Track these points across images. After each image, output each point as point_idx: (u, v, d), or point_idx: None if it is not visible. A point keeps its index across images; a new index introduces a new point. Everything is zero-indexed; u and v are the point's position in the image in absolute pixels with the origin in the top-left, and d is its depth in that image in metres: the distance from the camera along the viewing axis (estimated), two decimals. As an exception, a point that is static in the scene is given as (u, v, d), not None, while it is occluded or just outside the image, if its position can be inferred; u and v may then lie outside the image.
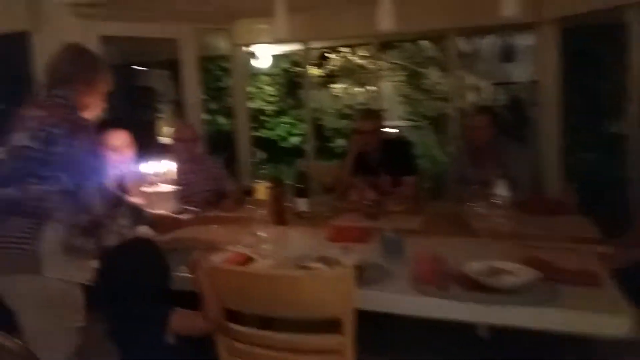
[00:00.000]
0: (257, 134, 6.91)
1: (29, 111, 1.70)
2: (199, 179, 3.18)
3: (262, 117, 6.96)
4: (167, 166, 2.31)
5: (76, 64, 1.81)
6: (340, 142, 7.11)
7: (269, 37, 4.12)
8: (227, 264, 1.82)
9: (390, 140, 3.23)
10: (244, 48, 4.58)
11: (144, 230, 1.83)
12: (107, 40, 3.98)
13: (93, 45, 3.82)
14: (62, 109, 1.70)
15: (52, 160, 1.61)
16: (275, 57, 6.72)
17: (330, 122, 7.41)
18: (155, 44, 4.52)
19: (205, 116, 7.01)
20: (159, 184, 2.25)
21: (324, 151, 7.26)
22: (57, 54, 1.85)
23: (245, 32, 4.36)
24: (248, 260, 1.89)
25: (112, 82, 1.93)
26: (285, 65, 6.91)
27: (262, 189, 2.54)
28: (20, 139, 1.64)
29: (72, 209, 1.67)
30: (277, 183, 2.67)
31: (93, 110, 1.88)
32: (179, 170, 2.44)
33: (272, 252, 1.96)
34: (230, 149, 4.74)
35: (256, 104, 6.89)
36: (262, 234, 2.06)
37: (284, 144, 6.95)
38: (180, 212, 2.23)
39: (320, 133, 7.46)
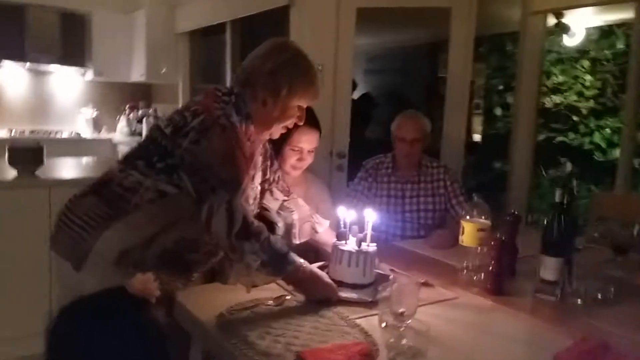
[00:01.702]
0: (564, 139, 5.43)
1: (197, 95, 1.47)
2: (415, 191, 2.43)
3: (575, 117, 5.37)
4: (368, 216, 1.49)
5: (265, 67, 1.40)
6: None
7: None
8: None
9: None
10: (548, 19, 3.44)
11: (142, 279, 1.22)
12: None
13: (351, 19, 3.45)
14: (223, 107, 1.35)
15: (174, 153, 1.31)
16: (602, 31, 5.07)
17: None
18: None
19: (498, 111, 5.99)
20: (348, 237, 1.48)
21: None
22: (257, 49, 1.46)
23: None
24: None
25: (316, 97, 1.47)
26: (621, 43, 5.08)
27: (471, 230, 1.60)
28: (162, 118, 1.48)
29: (170, 219, 1.32)
30: (512, 220, 1.69)
31: (276, 127, 1.47)
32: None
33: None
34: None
35: (566, 98, 5.38)
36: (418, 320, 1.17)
37: (601, 157, 5.21)
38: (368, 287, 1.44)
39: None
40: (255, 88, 1.39)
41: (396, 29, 5.32)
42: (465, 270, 1.61)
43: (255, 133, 1.43)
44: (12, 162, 2.45)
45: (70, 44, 5.37)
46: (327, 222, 1.78)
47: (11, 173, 2.51)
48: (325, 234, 1.76)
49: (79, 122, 5.62)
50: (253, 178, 1.51)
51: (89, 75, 5.50)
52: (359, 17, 3.33)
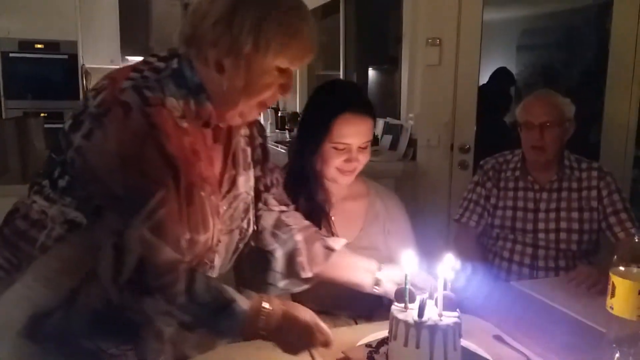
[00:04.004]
0: None
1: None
2: (554, 203, 1.83)
3: None
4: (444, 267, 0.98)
5: (215, 9, 0.89)
6: None
7: None
8: None
9: None
10: None
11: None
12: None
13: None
14: (144, 76, 0.91)
15: (69, 159, 0.89)
16: None
17: None
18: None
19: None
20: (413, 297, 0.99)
21: None
22: None
23: None
24: None
25: (309, 52, 0.94)
26: None
27: (628, 292, 0.98)
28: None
29: (89, 264, 0.89)
30: None
31: (246, 104, 0.95)
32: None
33: None
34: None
35: None
36: None
37: None
38: None
39: None
40: (202, 45, 0.90)
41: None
42: (618, 353, 1.02)
43: (217, 114, 0.96)
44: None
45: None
46: (342, 239, 1.25)
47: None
48: (344, 259, 1.21)
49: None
50: (235, 180, 1.07)
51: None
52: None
